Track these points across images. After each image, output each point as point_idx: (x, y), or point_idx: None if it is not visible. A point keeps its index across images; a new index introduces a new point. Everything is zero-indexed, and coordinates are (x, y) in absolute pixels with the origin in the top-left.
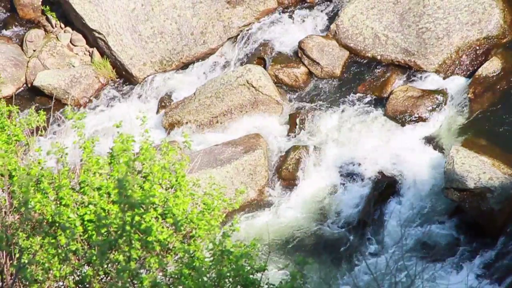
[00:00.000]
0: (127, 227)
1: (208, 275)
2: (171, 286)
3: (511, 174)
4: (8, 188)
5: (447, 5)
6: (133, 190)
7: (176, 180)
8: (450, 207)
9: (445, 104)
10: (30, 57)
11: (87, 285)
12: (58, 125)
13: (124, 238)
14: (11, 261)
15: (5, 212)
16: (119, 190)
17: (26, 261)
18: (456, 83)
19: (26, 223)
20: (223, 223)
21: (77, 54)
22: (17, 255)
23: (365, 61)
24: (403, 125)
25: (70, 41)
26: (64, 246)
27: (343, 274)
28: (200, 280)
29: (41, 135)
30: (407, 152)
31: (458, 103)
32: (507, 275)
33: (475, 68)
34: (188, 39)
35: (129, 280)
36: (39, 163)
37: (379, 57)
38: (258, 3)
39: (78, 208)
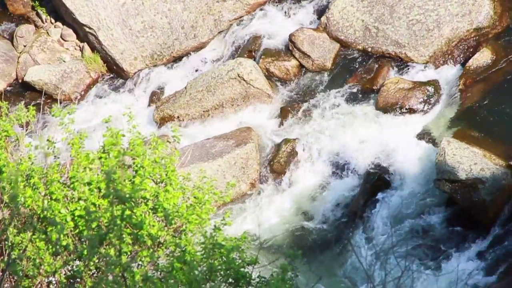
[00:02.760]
0: (118, 221)
1: (199, 269)
2: (162, 280)
3: (503, 165)
4: None
5: None
6: (123, 184)
7: (166, 175)
8: (442, 199)
9: (436, 96)
10: (20, 52)
11: (79, 280)
12: (48, 120)
13: (115, 232)
14: (1, 257)
15: None
16: (107, 182)
17: (16, 256)
18: (447, 75)
19: (17, 218)
20: (214, 216)
21: (67, 49)
22: (8, 251)
23: (356, 54)
24: (394, 117)
25: (61, 36)
26: (55, 241)
27: (333, 267)
28: (191, 273)
29: (31, 131)
30: (398, 144)
31: (449, 94)
32: (499, 266)
33: (466, 59)
34: (178, 33)
35: (120, 274)
36: (29, 158)
37: (369, 49)
38: None
39: (68, 203)
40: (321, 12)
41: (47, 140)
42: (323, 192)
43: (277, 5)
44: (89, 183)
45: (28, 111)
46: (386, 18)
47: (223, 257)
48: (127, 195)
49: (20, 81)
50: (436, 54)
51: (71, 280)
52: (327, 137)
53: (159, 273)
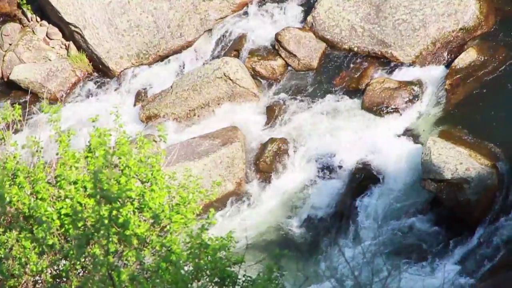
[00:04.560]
0: (106, 221)
1: (185, 268)
2: (148, 279)
3: (488, 165)
4: None
5: None
6: (109, 184)
7: (152, 174)
8: (428, 198)
9: (421, 96)
10: (6, 51)
11: (65, 279)
12: (34, 119)
13: (102, 231)
14: None
15: None
16: (94, 182)
17: (2, 256)
18: (433, 74)
19: (2, 217)
20: (200, 214)
21: (53, 47)
22: None
23: (342, 53)
24: (380, 116)
25: (46, 35)
26: (41, 240)
27: (320, 266)
28: (178, 273)
29: (17, 129)
30: (384, 144)
31: (435, 94)
32: (484, 266)
33: (452, 59)
34: (164, 32)
35: (107, 273)
36: (14, 157)
37: (356, 49)
38: None
39: (54, 202)
40: (307, 11)
41: (33, 139)
42: (309, 192)
43: (263, 4)
44: (75, 182)
45: (14, 109)
46: (372, 18)
47: (209, 257)
48: (114, 195)
49: (5, 79)
50: (422, 53)
51: (57, 280)
52: (313, 137)
53: (145, 272)
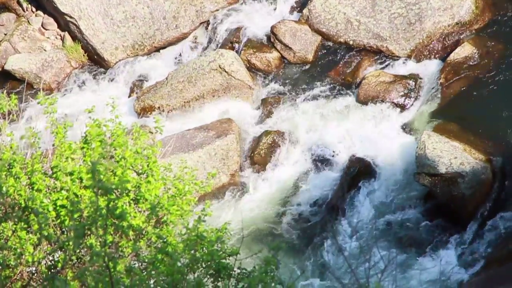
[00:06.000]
0: (104, 211)
1: (181, 260)
2: (143, 271)
3: (482, 159)
4: None
5: None
6: (107, 176)
7: (148, 166)
8: (422, 192)
9: (417, 90)
10: (1, 41)
11: (60, 270)
12: (29, 109)
13: (99, 223)
14: None
15: None
16: (92, 173)
17: None
18: (428, 69)
19: None
20: (195, 206)
21: (48, 38)
22: None
23: (337, 46)
24: (375, 110)
25: (42, 25)
26: (37, 231)
27: (316, 259)
28: (173, 265)
29: (12, 120)
30: (379, 137)
31: (430, 88)
32: (478, 259)
33: (447, 53)
34: (160, 23)
35: (104, 264)
36: (11, 147)
37: (351, 42)
38: None
39: (50, 193)
40: (303, 4)
41: (31, 130)
42: (304, 185)
43: None
44: (71, 173)
45: (10, 100)
46: (368, 11)
47: (205, 249)
48: (113, 186)
49: (0, 69)
50: (417, 48)
51: (52, 271)
52: (307, 130)
53: (141, 264)
